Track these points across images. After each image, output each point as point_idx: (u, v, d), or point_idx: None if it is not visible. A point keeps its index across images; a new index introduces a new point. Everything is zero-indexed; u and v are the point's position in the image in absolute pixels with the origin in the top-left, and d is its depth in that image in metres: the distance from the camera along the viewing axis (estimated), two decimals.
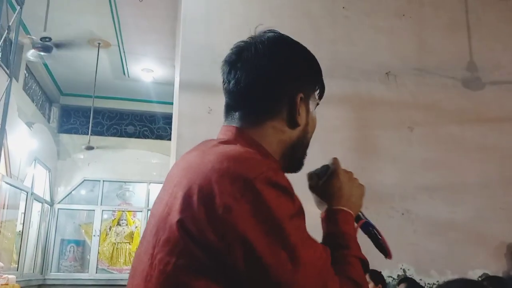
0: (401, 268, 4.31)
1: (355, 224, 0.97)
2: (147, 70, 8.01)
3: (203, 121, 4.03)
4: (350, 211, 0.94)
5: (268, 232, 0.69)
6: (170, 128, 7.59)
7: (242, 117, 0.91)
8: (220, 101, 1.01)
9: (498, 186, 4.67)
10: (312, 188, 0.99)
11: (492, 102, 4.90)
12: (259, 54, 0.90)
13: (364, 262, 0.89)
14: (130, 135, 9.95)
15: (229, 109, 0.94)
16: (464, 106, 4.84)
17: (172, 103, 5.28)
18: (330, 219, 0.93)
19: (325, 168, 0.99)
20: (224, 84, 0.96)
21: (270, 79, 0.89)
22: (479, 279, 3.90)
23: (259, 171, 0.72)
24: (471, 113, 4.84)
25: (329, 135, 4.45)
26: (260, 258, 0.68)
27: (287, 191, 0.75)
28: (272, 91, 0.89)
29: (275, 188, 0.72)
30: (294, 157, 0.94)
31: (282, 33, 0.95)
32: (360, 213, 1.01)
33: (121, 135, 9.90)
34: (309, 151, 1.04)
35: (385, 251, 0.96)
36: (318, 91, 0.97)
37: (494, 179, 4.68)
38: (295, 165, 0.96)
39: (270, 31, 0.94)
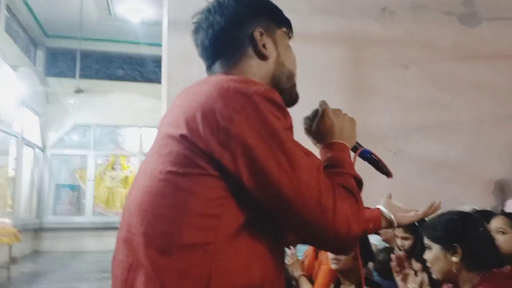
0: None
1: (352, 154, 1.04)
2: (134, 10, 7.73)
3: (194, 62, 3.86)
4: (344, 142, 1.01)
5: (266, 139, 0.77)
6: (161, 71, 7.43)
7: (220, 66, 1.00)
8: None
9: (490, 124, 4.67)
10: (307, 131, 1.08)
11: (489, 39, 4.80)
12: (211, 12, 1.01)
13: (358, 180, 0.95)
14: (119, 79, 9.75)
15: (208, 66, 1.04)
16: (460, 43, 4.74)
17: (161, 45, 5.12)
18: (325, 151, 1.00)
19: (315, 111, 1.07)
20: (198, 51, 1.05)
21: (225, 27, 0.99)
22: None
23: (257, 87, 0.81)
24: (467, 50, 4.75)
25: (324, 75, 4.37)
26: (261, 162, 0.76)
27: (281, 107, 0.83)
28: (231, 36, 1.00)
29: (271, 103, 0.81)
30: (280, 88, 1.00)
31: None
32: (357, 144, 1.09)
33: (110, 79, 9.71)
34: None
35: (386, 172, 1.07)
36: (284, 25, 1.05)
37: (486, 117, 4.68)
38: (287, 96, 1.01)
39: None
